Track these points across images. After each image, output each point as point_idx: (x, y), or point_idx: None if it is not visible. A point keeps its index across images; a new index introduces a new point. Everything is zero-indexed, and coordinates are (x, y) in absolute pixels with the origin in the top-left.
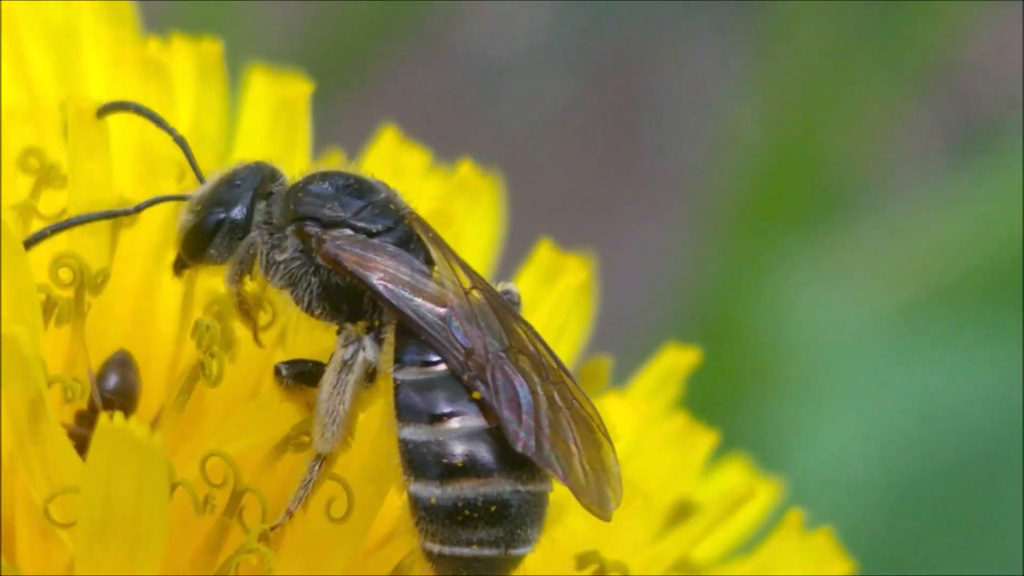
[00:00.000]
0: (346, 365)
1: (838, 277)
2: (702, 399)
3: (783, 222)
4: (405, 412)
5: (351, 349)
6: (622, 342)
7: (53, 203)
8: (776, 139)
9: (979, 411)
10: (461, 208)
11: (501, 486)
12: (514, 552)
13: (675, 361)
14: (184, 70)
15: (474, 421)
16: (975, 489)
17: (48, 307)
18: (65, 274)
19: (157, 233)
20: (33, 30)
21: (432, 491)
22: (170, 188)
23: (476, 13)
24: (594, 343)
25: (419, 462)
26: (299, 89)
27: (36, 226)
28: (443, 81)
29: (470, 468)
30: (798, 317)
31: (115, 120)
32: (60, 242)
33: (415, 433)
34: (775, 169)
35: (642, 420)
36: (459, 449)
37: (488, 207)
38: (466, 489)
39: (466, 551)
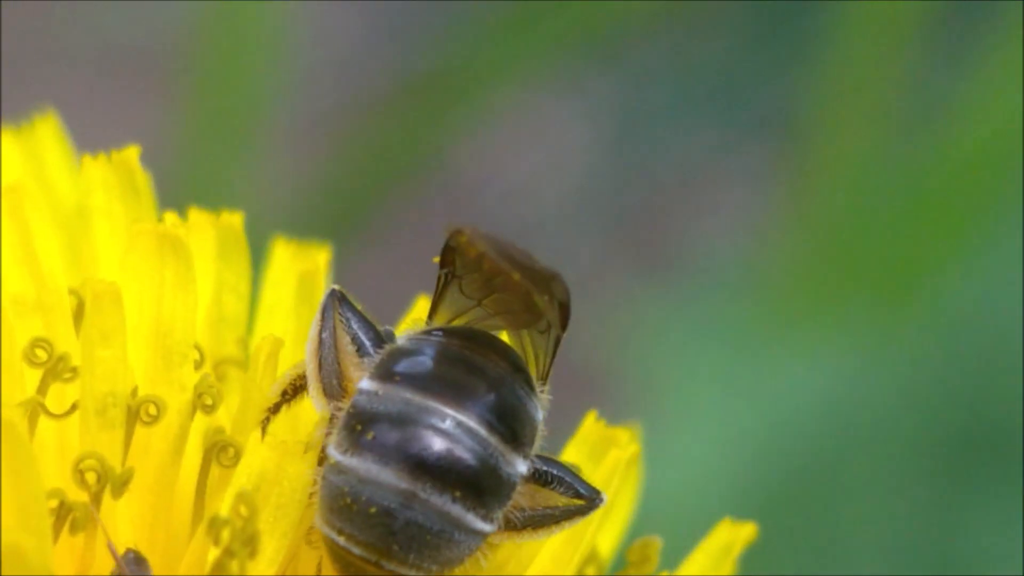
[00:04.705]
0: None
1: None
2: None
3: None
4: None
5: None
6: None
7: (63, 397)
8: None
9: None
10: None
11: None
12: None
13: (731, 537)
14: (203, 245)
15: None
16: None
17: (63, 513)
18: (91, 477)
19: (176, 425)
20: (39, 210)
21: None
22: (188, 376)
23: (504, 172)
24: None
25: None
26: (320, 259)
27: (44, 424)
28: None
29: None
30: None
31: (129, 300)
32: (73, 439)
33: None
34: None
35: None
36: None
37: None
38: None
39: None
